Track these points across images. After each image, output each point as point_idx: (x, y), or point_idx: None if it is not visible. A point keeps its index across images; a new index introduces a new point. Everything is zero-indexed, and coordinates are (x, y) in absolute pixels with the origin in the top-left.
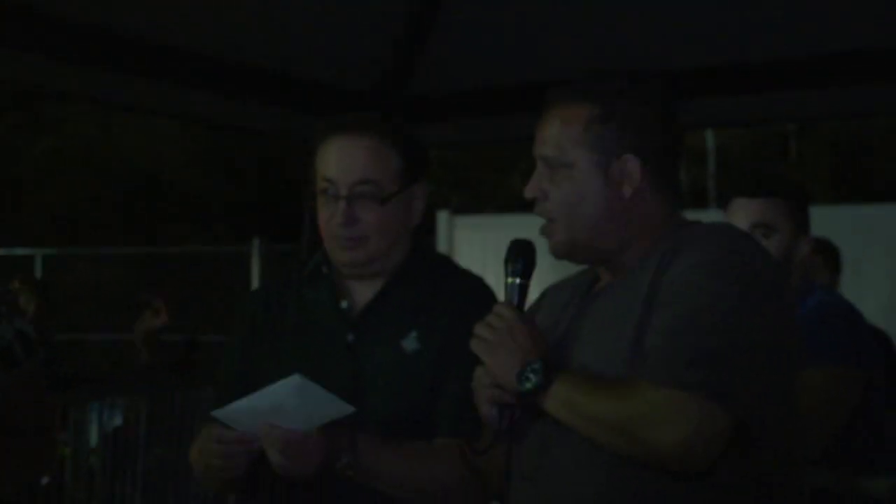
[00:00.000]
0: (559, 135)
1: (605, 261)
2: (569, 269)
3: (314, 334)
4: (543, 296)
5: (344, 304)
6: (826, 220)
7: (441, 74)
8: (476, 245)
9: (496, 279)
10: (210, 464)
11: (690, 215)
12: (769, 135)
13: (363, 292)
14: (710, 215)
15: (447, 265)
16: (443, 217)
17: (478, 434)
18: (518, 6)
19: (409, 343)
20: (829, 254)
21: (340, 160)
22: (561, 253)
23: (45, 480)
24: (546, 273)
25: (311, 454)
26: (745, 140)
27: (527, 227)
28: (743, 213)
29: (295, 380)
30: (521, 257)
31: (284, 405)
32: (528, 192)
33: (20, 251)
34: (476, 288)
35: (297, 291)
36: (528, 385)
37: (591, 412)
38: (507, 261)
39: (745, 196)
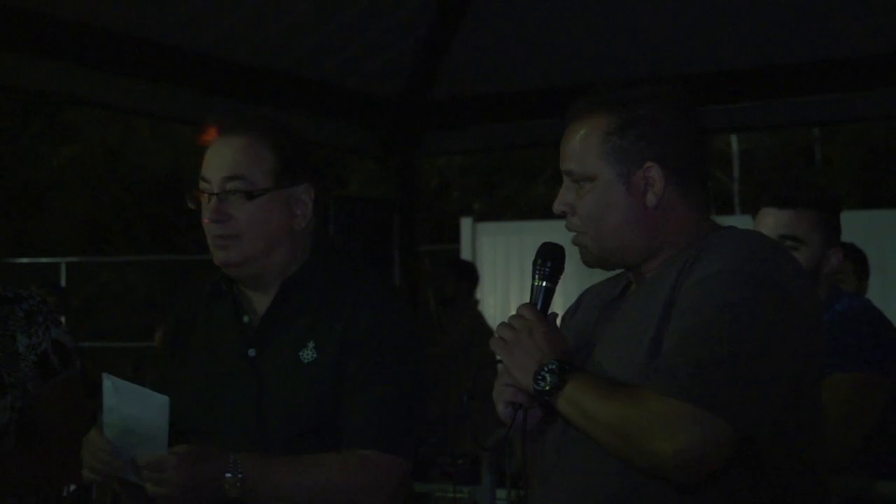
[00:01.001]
0: (580, 148)
1: (637, 267)
2: (595, 274)
3: (219, 350)
4: (581, 299)
5: (246, 318)
6: (850, 225)
7: (463, 81)
8: (498, 250)
9: (519, 284)
10: (84, 462)
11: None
12: (794, 139)
13: (261, 303)
14: (736, 221)
15: (351, 270)
16: (466, 223)
17: (394, 443)
18: (539, 13)
19: (307, 353)
20: (857, 260)
21: (213, 158)
22: (592, 264)
23: (71, 488)
24: (573, 277)
25: (175, 474)
26: (770, 145)
27: (549, 232)
28: (771, 224)
29: (107, 382)
30: (548, 261)
31: (121, 415)
32: (557, 208)
33: (45, 259)
34: (375, 293)
35: (206, 306)
36: (543, 385)
37: (597, 415)
38: (534, 263)
39: (774, 206)
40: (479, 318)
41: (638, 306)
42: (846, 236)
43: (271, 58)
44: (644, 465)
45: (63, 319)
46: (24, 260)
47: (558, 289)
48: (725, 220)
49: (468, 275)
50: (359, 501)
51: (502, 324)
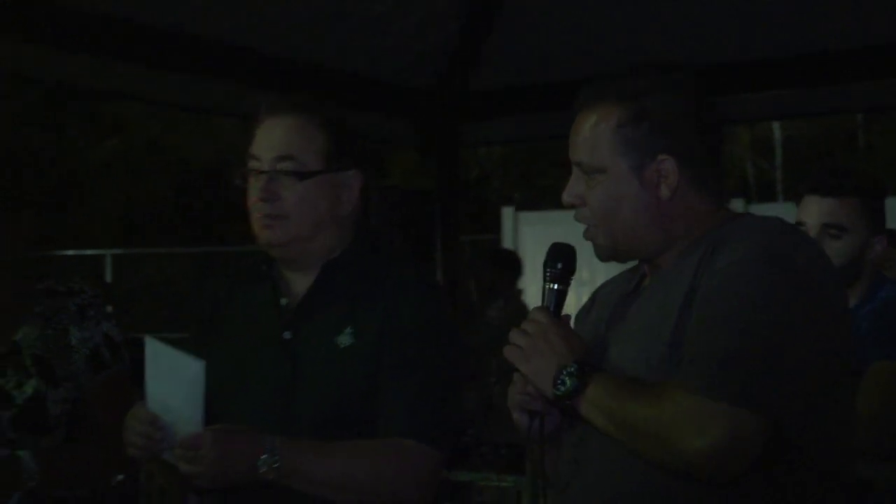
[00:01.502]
0: (591, 139)
1: (650, 259)
2: (616, 265)
3: (254, 332)
4: (595, 296)
5: (284, 301)
6: (895, 211)
7: (501, 72)
8: (539, 239)
9: None
10: (127, 439)
11: (758, 208)
12: (837, 126)
13: (300, 287)
14: (778, 208)
15: (391, 261)
16: (507, 213)
17: (430, 433)
18: (574, 3)
19: (344, 338)
20: None
21: (264, 136)
22: (605, 257)
23: (119, 478)
24: (600, 271)
25: (210, 452)
26: (812, 132)
27: None
28: (815, 212)
29: (149, 346)
30: (559, 262)
31: (160, 386)
32: (566, 199)
33: (90, 251)
34: (416, 284)
35: (243, 289)
36: (564, 389)
37: (623, 416)
38: (545, 265)
39: (818, 194)
40: (523, 308)
41: (656, 299)
42: (891, 223)
43: (309, 50)
44: (674, 465)
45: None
46: (70, 252)
47: (585, 283)
48: (768, 208)
49: (509, 264)
50: (393, 489)
51: (515, 330)
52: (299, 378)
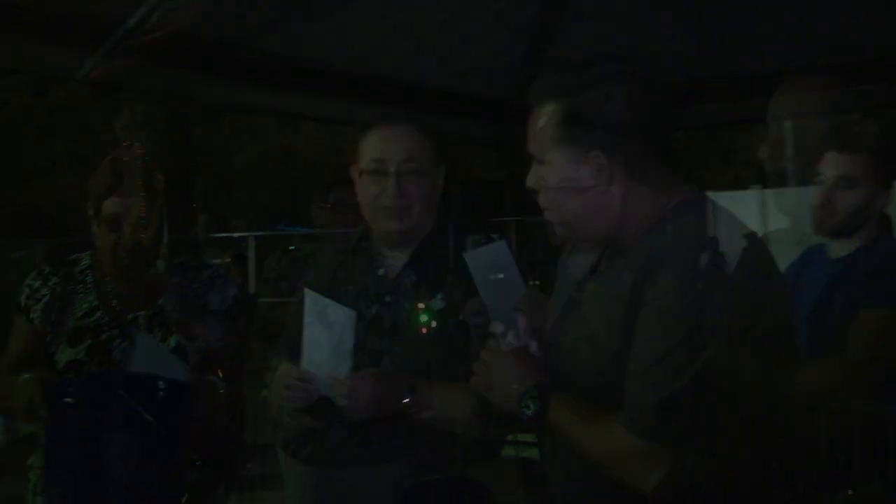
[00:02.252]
0: (538, 133)
1: (604, 242)
2: None
3: (358, 296)
4: (566, 260)
5: (381, 271)
6: None
7: None
8: None
9: None
10: (280, 394)
11: (771, 191)
12: None
13: (396, 259)
14: (788, 192)
15: (469, 237)
16: None
17: None
18: (633, 18)
19: (437, 303)
20: None
21: (387, 143)
22: (562, 239)
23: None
24: None
25: (370, 393)
26: None
27: None
28: (831, 165)
29: (307, 298)
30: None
31: (316, 326)
32: (528, 183)
33: (237, 234)
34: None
35: (344, 260)
36: (528, 412)
37: (578, 441)
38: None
39: (834, 150)
40: None
41: (600, 305)
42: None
43: (415, 71)
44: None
45: (249, 280)
46: (221, 235)
47: None
48: (781, 191)
49: None
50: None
51: (476, 364)
52: (399, 333)
